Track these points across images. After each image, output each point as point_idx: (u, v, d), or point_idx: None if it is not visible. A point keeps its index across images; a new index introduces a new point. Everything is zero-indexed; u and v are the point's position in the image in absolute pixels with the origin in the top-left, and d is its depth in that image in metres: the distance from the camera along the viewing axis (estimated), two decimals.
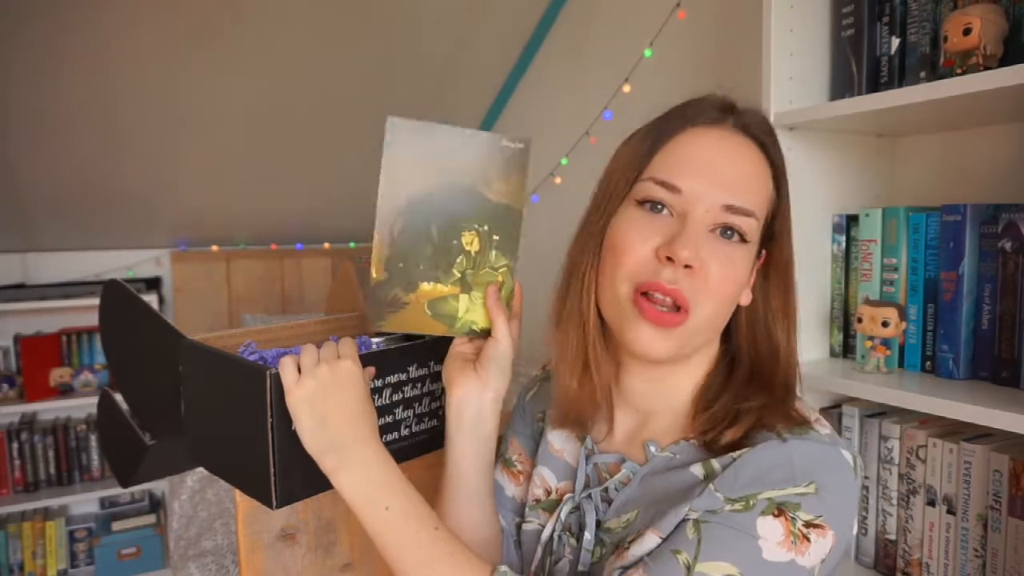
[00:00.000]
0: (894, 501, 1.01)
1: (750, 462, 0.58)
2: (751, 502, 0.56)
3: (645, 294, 0.62)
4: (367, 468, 0.64)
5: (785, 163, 0.68)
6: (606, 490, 0.68)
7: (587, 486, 0.70)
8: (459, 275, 0.72)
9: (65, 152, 2.37)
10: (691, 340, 0.65)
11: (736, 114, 0.66)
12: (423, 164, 0.70)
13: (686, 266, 0.61)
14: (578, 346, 0.69)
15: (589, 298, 0.67)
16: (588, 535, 0.66)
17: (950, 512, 0.94)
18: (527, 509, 0.76)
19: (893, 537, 1.02)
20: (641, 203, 0.64)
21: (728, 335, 0.70)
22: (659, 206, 0.63)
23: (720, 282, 0.62)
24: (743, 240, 0.63)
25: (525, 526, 0.75)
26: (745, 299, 0.68)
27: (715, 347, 0.70)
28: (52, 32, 1.97)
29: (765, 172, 0.66)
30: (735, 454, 0.59)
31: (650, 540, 0.59)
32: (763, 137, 0.66)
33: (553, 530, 0.71)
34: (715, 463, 0.61)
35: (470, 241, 0.72)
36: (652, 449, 0.66)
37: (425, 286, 0.71)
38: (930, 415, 0.94)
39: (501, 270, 0.73)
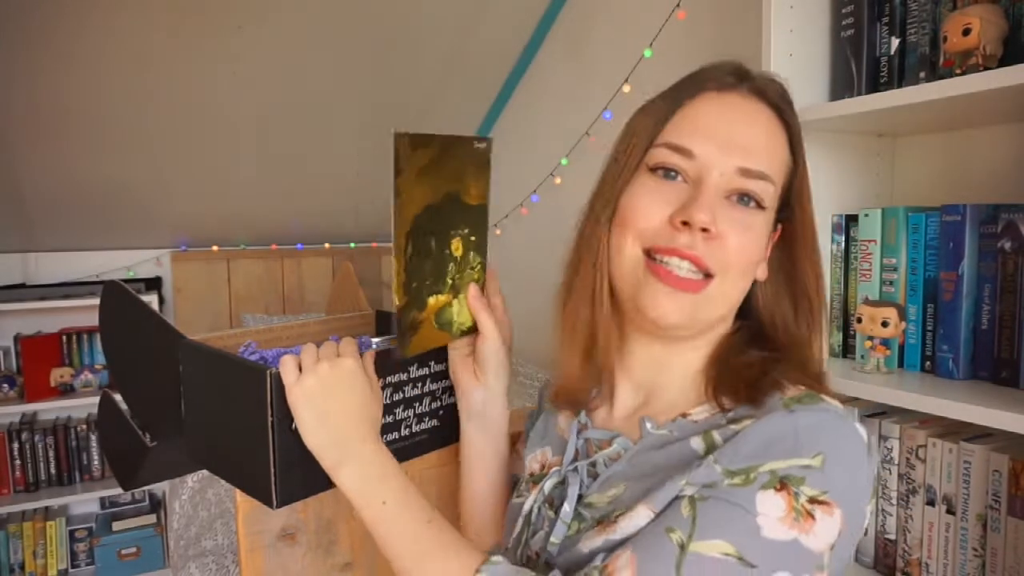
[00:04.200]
0: (894, 501, 1.01)
1: (753, 434, 0.55)
2: (751, 475, 0.52)
3: (660, 261, 0.61)
4: (366, 464, 0.65)
5: (800, 130, 0.66)
6: (593, 464, 0.67)
7: (576, 460, 0.69)
8: (451, 282, 0.73)
9: (66, 152, 2.37)
10: (705, 311, 0.63)
11: (751, 79, 0.65)
12: (425, 179, 0.68)
13: (704, 230, 0.59)
14: (587, 321, 0.68)
15: (602, 270, 0.66)
16: (567, 507, 0.65)
17: (950, 512, 0.94)
18: (523, 484, 0.76)
19: (893, 537, 1.02)
20: (654, 170, 0.63)
21: (741, 314, 0.68)
22: (672, 172, 0.62)
23: (739, 250, 0.61)
24: (760, 206, 0.62)
25: (515, 499, 0.75)
26: (761, 273, 0.65)
27: (726, 326, 0.67)
28: (53, 32, 1.97)
29: (781, 137, 0.64)
30: (737, 427, 0.56)
31: (642, 515, 0.57)
32: (779, 102, 0.65)
33: (534, 502, 0.70)
34: (716, 435, 0.58)
35: (457, 247, 0.73)
36: (648, 426, 0.64)
37: (431, 300, 0.71)
38: (930, 415, 0.93)
39: (477, 268, 0.75)
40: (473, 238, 0.74)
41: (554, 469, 0.71)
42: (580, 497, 0.66)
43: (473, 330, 0.76)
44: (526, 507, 0.71)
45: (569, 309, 0.69)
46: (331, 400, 0.65)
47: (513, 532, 0.72)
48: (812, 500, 0.51)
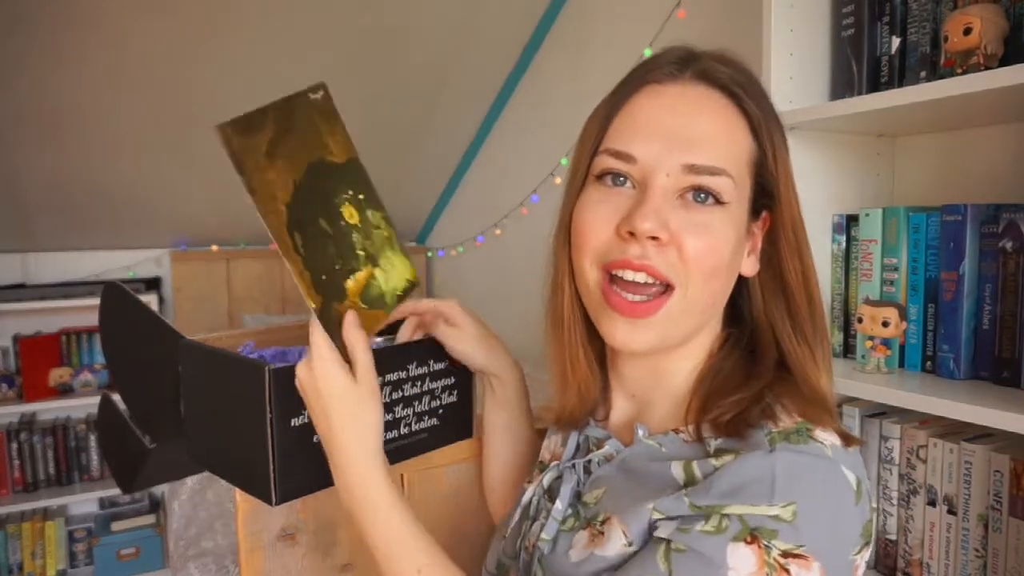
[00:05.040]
0: (894, 501, 1.01)
1: (727, 474, 0.52)
2: (723, 522, 0.50)
3: (615, 278, 0.58)
4: (349, 490, 0.64)
5: (766, 112, 0.60)
6: (589, 462, 0.66)
7: (576, 456, 0.69)
8: (363, 253, 0.66)
9: (65, 152, 2.37)
10: (675, 328, 0.59)
11: (696, 64, 0.59)
12: (277, 159, 0.61)
13: (653, 238, 0.55)
14: (560, 346, 0.67)
15: (563, 292, 0.65)
16: (559, 504, 0.64)
17: (951, 512, 0.94)
18: (535, 469, 0.76)
19: (893, 537, 1.02)
20: (600, 178, 0.59)
21: (734, 311, 0.65)
22: (620, 178, 0.58)
23: (697, 254, 0.56)
24: (719, 202, 0.57)
25: (525, 484, 0.75)
26: (748, 269, 0.62)
27: (716, 327, 0.64)
28: (53, 33, 1.97)
29: (737, 123, 0.59)
30: (717, 462, 0.53)
31: (616, 537, 0.56)
32: (731, 85, 0.59)
33: (533, 494, 0.70)
34: (696, 469, 0.55)
35: (351, 214, 0.65)
36: (640, 433, 0.62)
37: (350, 284, 0.65)
38: (930, 415, 0.93)
39: (383, 226, 0.67)
40: (361, 196, 0.66)
41: (554, 463, 0.71)
42: (579, 495, 0.65)
43: (411, 288, 0.69)
44: (524, 498, 0.71)
45: (547, 332, 0.68)
46: (316, 409, 0.63)
47: (513, 519, 0.72)
48: (785, 554, 0.49)
